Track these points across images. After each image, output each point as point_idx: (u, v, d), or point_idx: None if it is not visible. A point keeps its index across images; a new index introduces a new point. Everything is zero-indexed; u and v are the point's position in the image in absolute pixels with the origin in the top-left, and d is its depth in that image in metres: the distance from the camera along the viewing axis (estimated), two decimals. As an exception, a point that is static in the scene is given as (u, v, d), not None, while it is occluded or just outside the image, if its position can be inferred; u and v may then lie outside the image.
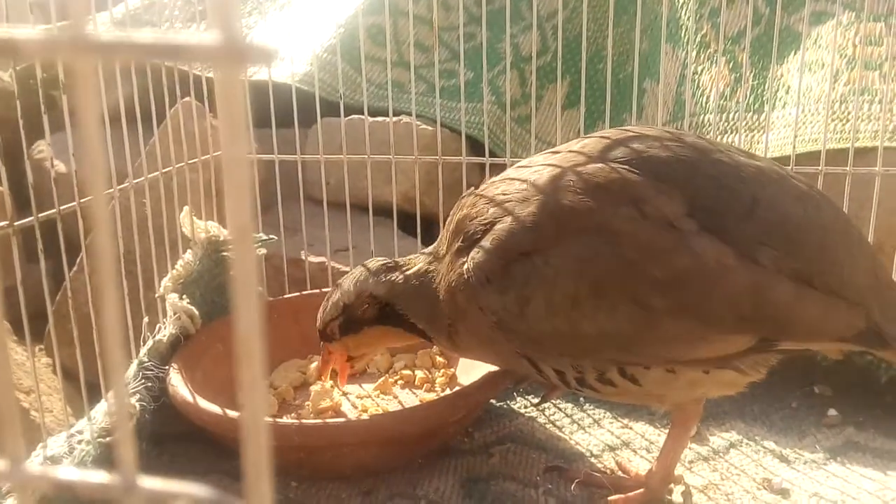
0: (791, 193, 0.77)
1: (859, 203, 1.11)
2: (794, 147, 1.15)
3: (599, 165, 0.76)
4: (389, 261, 0.92)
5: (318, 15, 1.68)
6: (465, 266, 0.79)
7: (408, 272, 0.89)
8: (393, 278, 0.90)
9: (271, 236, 1.15)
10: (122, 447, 0.21)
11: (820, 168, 1.09)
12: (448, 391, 1.05)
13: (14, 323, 1.12)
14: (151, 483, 0.21)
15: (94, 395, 0.94)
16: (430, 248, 0.90)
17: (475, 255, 0.79)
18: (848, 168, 1.08)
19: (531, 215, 0.76)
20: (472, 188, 0.86)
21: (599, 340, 0.76)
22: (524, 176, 0.80)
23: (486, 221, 0.79)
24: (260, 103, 1.19)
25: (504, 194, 0.79)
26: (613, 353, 0.77)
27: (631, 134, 0.79)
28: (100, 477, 0.21)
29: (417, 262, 0.90)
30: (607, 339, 0.75)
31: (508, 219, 0.77)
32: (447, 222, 0.87)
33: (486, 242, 0.78)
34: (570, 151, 0.80)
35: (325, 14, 1.68)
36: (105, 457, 0.85)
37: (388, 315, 0.90)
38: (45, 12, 1.03)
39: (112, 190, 0.95)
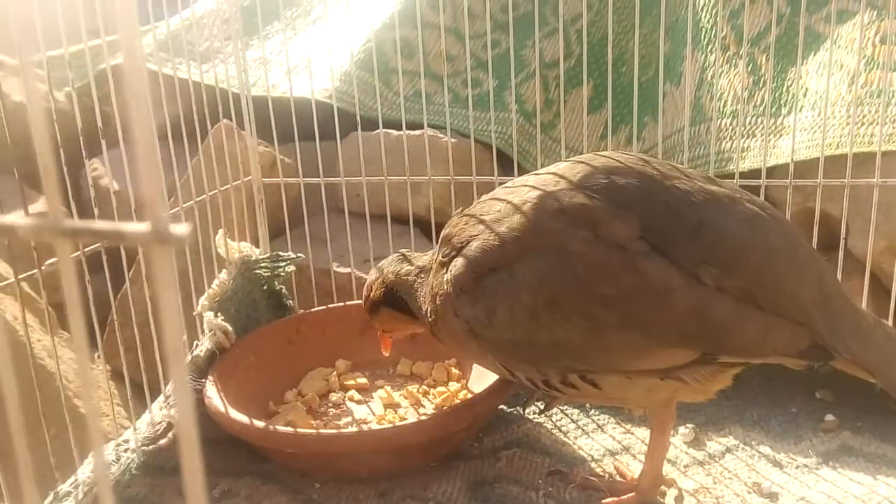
0: (739, 216, 0.83)
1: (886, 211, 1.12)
2: (822, 150, 1.16)
3: (565, 190, 0.84)
4: (402, 253, 1.05)
5: (348, 30, 1.75)
6: (445, 277, 0.90)
7: (414, 264, 1.01)
8: (401, 269, 1.02)
9: (299, 255, 1.24)
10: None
11: (846, 181, 1.11)
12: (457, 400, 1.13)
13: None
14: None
15: (142, 404, 1.05)
16: (431, 252, 1.01)
17: (453, 267, 0.89)
18: (875, 180, 1.10)
19: (501, 235, 0.85)
20: (461, 208, 0.95)
21: (554, 349, 0.84)
22: (503, 196, 0.89)
23: (465, 237, 0.89)
24: (298, 118, 1.27)
25: (483, 214, 0.89)
26: (568, 361, 0.86)
27: (599, 161, 0.86)
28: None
29: (422, 260, 1.01)
30: (561, 348, 0.84)
31: (483, 236, 0.87)
32: (440, 235, 0.96)
33: (463, 257, 0.88)
34: (548, 174, 0.88)
35: (353, 29, 1.75)
36: (149, 464, 0.95)
37: (393, 299, 1.02)
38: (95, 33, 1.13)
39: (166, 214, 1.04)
